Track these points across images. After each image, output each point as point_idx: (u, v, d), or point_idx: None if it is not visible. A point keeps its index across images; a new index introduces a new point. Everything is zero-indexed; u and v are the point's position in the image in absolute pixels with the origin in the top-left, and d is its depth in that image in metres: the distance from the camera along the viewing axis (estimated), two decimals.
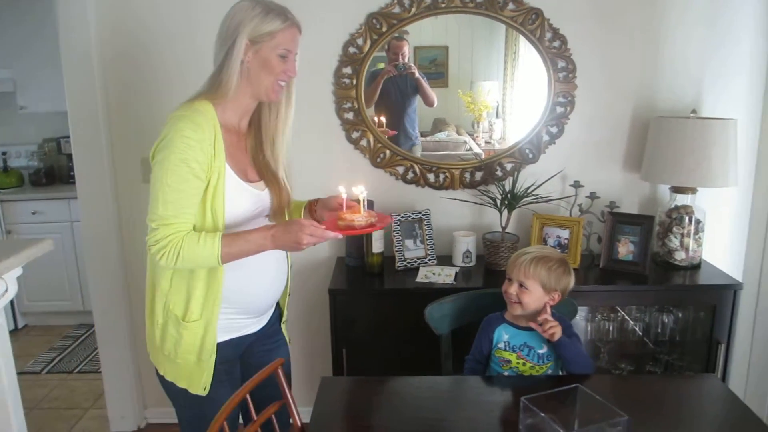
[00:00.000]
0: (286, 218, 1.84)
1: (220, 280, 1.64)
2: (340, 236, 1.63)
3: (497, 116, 2.75)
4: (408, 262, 2.61)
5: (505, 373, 1.96)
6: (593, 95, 2.64)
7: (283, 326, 1.97)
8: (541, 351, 1.94)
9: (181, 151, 1.53)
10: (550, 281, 1.92)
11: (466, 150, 2.75)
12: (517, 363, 1.94)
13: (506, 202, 2.54)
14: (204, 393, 1.69)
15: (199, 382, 1.69)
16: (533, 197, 2.54)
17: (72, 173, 4.02)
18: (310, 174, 2.70)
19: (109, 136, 2.70)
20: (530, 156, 2.72)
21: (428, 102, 2.73)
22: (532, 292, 1.91)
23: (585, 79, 2.62)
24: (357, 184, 1.70)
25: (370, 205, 2.48)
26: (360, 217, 1.65)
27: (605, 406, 1.40)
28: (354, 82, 2.63)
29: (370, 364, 2.50)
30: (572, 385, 1.51)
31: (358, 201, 1.68)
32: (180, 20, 2.59)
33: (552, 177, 2.64)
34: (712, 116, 2.61)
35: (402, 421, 1.63)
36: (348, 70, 2.63)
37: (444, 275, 2.50)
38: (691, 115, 2.58)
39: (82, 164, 2.71)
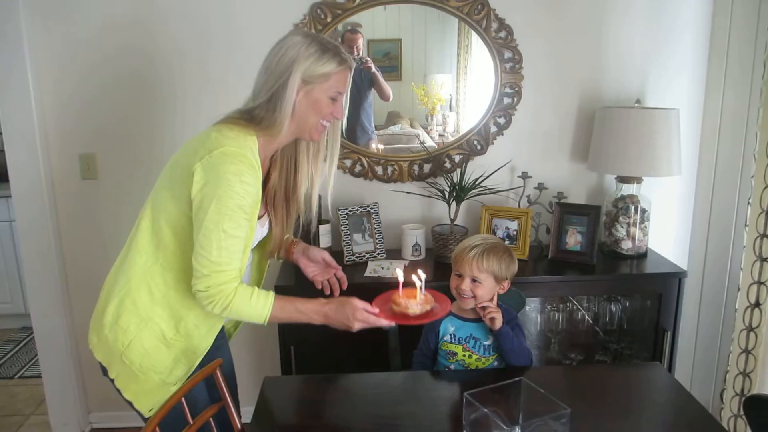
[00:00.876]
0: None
1: None
2: (393, 324, 1.59)
3: (451, 109, 2.73)
4: (356, 257, 2.57)
5: (452, 366, 1.94)
6: (540, 86, 2.64)
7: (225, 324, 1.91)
8: (486, 342, 1.92)
9: (241, 197, 1.47)
10: (501, 271, 1.90)
11: (420, 143, 2.72)
12: (463, 355, 1.92)
13: (454, 194, 2.52)
14: (148, 414, 1.61)
15: (149, 402, 1.61)
16: (481, 189, 2.52)
17: None
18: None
19: (44, 131, 2.58)
20: (478, 147, 2.71)
21: (384, 96, 2.69)
22: (485, 284, 1.89)
23: (531, 70, 2.62)
24: (417, 270, 1.65)
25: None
26: (416, 304, 1.60)
27: (548, 398, 1.38)
28: None
29: (319, 362, 2.45)
30: (516, 378, 1.49)
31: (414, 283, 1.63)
32: (115, 10, 2.49)
33: (500, 168, 2.63)
34: (656, 106, 2.63)
35: (345, 419, 1.59)
36: None
37: (392, 269, 2.47)
38: (636, 105, 2.60)
39: (15, 161, 2.59)
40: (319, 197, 2.56)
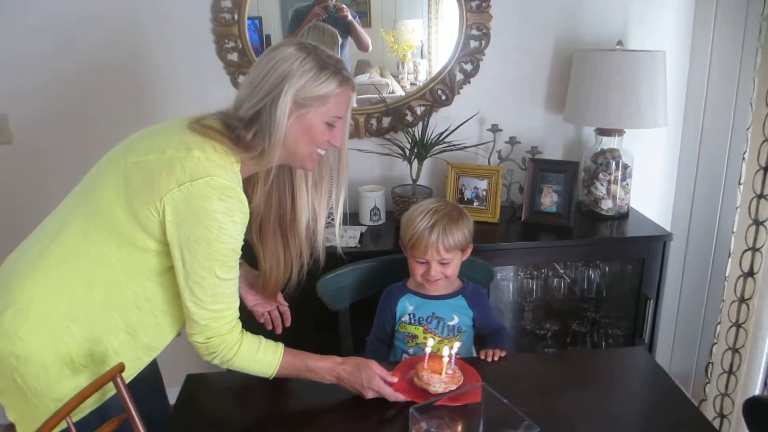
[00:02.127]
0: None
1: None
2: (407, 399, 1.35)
3: (422, 56, 2.43)
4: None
5: (411, 351, 1.69)
6: (510, 27, 2.34)
7: None
8: (451, 323, 1.67)
9: (233, 239, 1.25)
10: (466, 238, 1.65)
11: (389, 93, 2.43)
12: (424, 338, 1.67)
13: (416, 151, 2.23)
14: None
15: (33, 426, 1.30)
16: (446, 144, 2.24)
17: None
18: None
19: None
20: (443, 98, 2.41)
21: (362, 46, 2.38)
22: (454, 261, 1.64)
23: (500, 9, 2.31)
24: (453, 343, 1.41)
25: None
26: (439, 381, 1.35)
27: (513, 411, 1.13)
28: (236, 16, 2.24)
29: (279, 338, 2.18)
30: (475, 384, 1.24)
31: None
32: None
33: (467, 121, 2.34)
34: (639, 49, 2.35)
35: (265, 421, 1.33)
36: (228, 3, 2.22)
37: (348, 237, 2.19)
38: (617, 47, 2.31)
39: None
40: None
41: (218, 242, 1.23)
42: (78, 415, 1.26)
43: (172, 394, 1.51)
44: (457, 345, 1.39)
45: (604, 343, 2.53)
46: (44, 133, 2.30)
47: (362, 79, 2.43)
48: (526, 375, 1.53)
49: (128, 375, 1.33)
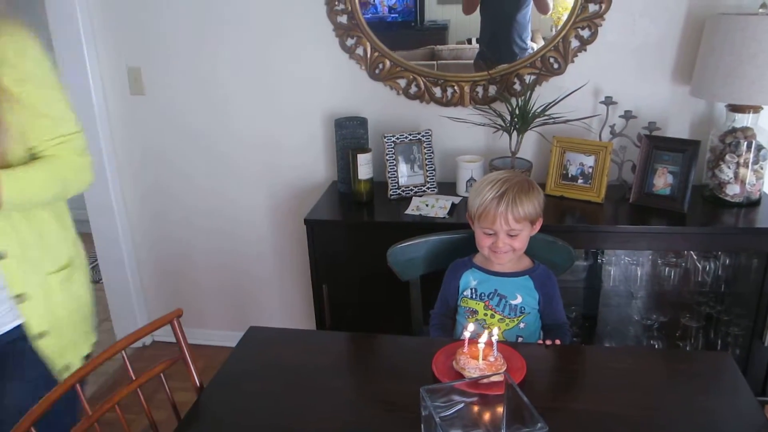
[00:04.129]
0: None
1: None
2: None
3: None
4: (403, 191, 2.29)
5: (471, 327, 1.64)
6: None
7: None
8: (514, 302, 1.61)
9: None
10: (537, 210, 1.59)
11: None
12: (485, 314, 1.63)
13: (516, 121, 2.14)
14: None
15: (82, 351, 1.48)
16: (546, 117, 2.12)
17: None
18: (298, 89, 2.42)
19: (93, 43, 2.50)
20: (555, 66, 2.27)
21: (543, 8, 2.27)
22: (523, 234, 1.58)
23: None
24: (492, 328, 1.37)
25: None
26: (474, 367, 1.32)
27: (527, 407, 1.08)
28: None
29: (352, 302, 2.25)
30: (500, 372, 1.19)
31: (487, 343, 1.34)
32: None
33: (575, 91, 2.18)
34: None
35: (301, 394, 1.38)
36: None
37: (438, 207, 2.17)
38: (760, 10, 2.02)
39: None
40: (365, 120, 2.31)
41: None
42: None
43: None
44: (496, 331, 1.34)
45: (719, 342, 2.29)
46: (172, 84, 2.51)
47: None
48: (580, 368, 1.44)
49: None
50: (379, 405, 1.29)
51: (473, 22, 2.32)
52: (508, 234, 1.55)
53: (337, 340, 1.59)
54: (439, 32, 2.38)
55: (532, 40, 2.32)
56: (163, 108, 2.54)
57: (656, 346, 2.33)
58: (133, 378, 1.35)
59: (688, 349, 2.33)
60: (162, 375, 1.38)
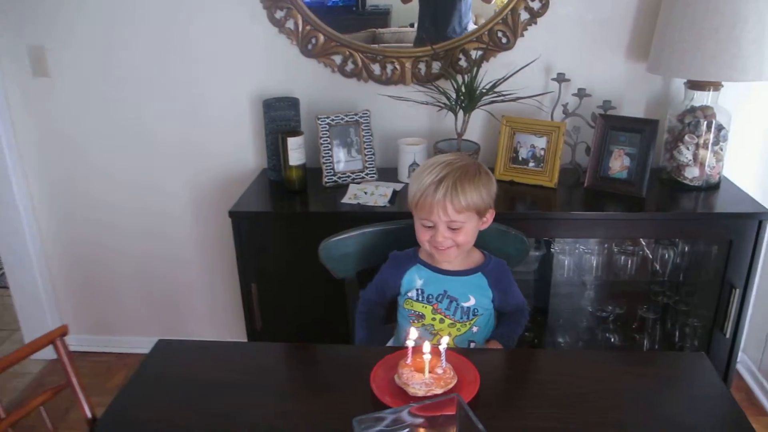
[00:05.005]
0: None
1: None
2: None
3: None
4: (339, 177, 2.08)
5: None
6: None
7: None
8: (466, 304, 1.42)
9: None
10: (484, 200, 1.37)
11: None
12: (433, 319, 1.43)
13: (462, 99, 1.95)
14: None
15: None
16: (495, 94, 1.93)
17: None
18: (222, 67, 2.17)
19: None
20: (504, 40, 2.09)
21: None
22: (467, 226, 1.36)
23: None
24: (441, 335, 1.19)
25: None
26: (420, 382, 1.12)
27: None
28: None
29: (286, 302, 2.04)
30: (451, 395, 0.99)
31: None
32: None
33: (525, 66, 2.00)
34: None
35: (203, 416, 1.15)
36: None
37: (378, 195, 1.97)
38: None
39: None
40: (297, 101, 2.09)
41: None
42: None
43: None
44: (445, 340, 1.15)
45: (677, 333, 2.18)
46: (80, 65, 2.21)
47: None
48: (541, 377, 1.27)
49: None
50: (310, 430, 1.09)
51: (417, 7, 2.11)
52: (448, 226, 1.35)
53: (259, 353, 1.37)
54: (382, 17, 2.18)
55: (476, 23, 2.14)
56: (71, 91, 2.23)
57: (612, 340, 2.19)
58: (3, 416, 1.09)
59: (645, 342, 2.20)
60: (42, 409, 1.13)
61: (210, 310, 2.54)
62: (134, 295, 2.55)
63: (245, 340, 2.13)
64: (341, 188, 2.04)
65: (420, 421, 1.01)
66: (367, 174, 2.10)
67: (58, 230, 2.46)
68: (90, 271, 2.52)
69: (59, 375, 2.47)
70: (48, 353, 2.61)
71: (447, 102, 1.98)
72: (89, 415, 1.15)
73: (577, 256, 2.14)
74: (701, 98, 1.94)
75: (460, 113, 1.98)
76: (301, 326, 2.09)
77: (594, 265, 2.13)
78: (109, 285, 2.54)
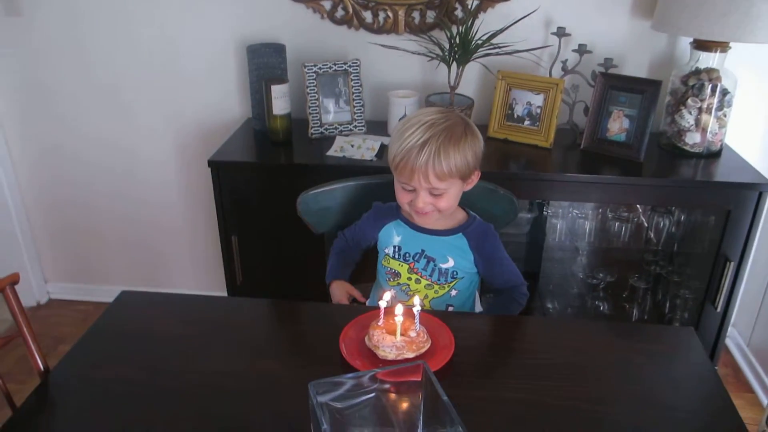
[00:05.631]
0: None
1: None
2: None
3: None
4: (326, 129, 1.99)
5: (392, 292, 1.38)
6: None
7: None
8: (445, 265, 1.35)
9: None
10: (469, 164, 1.26)
11: None
12: (408, 278, 1.37)
13: (455, 51, 1.85)
14: None
15: None
16: (491, 46, 1.83)
17: None
18: (204, 10, 2.05)
19: None
20: None
21: None
22: (450, 192, 1.27)
23: None
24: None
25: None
26: (390, 345, 1.07)
27: (448, 409, 0.83)
28: None
29: (268, 255, 1.98)
30: (417, 362, 0.93)
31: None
32: None
33: (522, 18, 1.89)
34: None
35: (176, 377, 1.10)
36: None
37: (365, 148, 1.88)
38: None
39: None
40: (283, 47, 1.99)
41: None
42: None
43: None
44: (417, 300, 1.08)
45: (668, 304, 2.12)
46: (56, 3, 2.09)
47: None
48: (519, 345, 1.21)
49: None
50: (265, 392, 1.03)
51: None
52: (429, 192, 1.26)
53: (226, 308, 1.31)
54: None
55: None
56: (44, 34, 2.13)
57: (601, 308, 2.14)
58: None
59: (634, 312, 2.15)
60: None
61: (192, 263, 2.49)
62: (115, 246, 2.48)
63: (225, 294, 2.08)
64: (328, 140, 1.96)
65: (385, 386, 0.95)
66: (355, 126, 2.01)
67: (36, 177, 2.38)
68: (69, 220, 2.45)
69: (38, 322, 2.44)
70: (29, 300, 2.58)
71: (440, 53, 1.88)
72: (41, 367, 1.10)
73: (571, 221, 2.07)
74: (707, 60, 1.84)
75: (454, 66, 1.88)
76: (283, 281, 2.04)
77: (587, 230, 2.06)
78: (90, 234, 2.47)
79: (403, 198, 1.30)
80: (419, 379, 0.93)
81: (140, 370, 1.07)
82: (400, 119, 1.94)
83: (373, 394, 0.95)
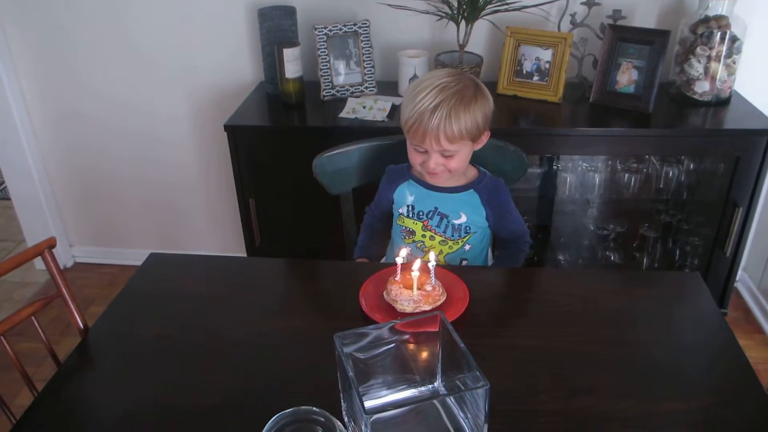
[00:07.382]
0: None
1: None
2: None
3: None
4: (338, 91, 2.02)
5: (408, 249, 1.44)
6: None
7: None
8: (458, 221, 1.40)
9: None
10: (479, 125, 1.30)
11: None
12: (423, 236, 1.42)
13: (464, 8, 1.86)
14: None
15: None
16: (499, 2, 1.84)
17: None
18: None
19: None
20: None
21: None
22: (461, 153, 1.32)
23: None
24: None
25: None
26: (408, 299, 1.12)
27: (468, 359, 0.88)
28: None
29: (285, 217, 2.03)
30: (434, 312, 0.98)
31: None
32: None
33: None
34: None
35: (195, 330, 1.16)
36: None
37: (377, 109, 1.92)
38: None
39: None
40: (293, 9, 2.00)
41: None
42: None
43: None
44: (433, 256, 1.14)
45: (678, 252, 2.16)
46: None
47: None
48: (532, 295, 1.27)
49: None
50: (293, 347, 1.09)
51: None
52: (441, 154, 1.30)
53: (250, 268, 1.37)
54: None
55: None
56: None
57: (612, 258, 2.19)
58: None
59: (645, 260, 2.19)
60: (34, 318, 1.14)
61: (211, 226, 2.55)
62: (136, 209, 2.55)
63: (245, 255, 2.14)
64: (340, 102, 1.99)
65: (404, 337, 1.01)
66: (366, 87, 2.04)
67: (56, 143, 2.44)
68: (90, 184, 2.52)
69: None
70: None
71: (449, 11, 1.90)
72: (81, 325, 1.17)
73: (581, 174, 2.10)
74: (716, 7, 1.84)
75: (463, 24, 1.89)
76: (300, 241, 2.10)
77: (597, 182, 2.09)
78: (111, 198, 2.54)
79: (415, 159, 1.34)
80: (437, 329, 0.98)
81: (174, 328, 1.13)
82: (410, 80, 1.98)
83: (393, 345, 1.01)
